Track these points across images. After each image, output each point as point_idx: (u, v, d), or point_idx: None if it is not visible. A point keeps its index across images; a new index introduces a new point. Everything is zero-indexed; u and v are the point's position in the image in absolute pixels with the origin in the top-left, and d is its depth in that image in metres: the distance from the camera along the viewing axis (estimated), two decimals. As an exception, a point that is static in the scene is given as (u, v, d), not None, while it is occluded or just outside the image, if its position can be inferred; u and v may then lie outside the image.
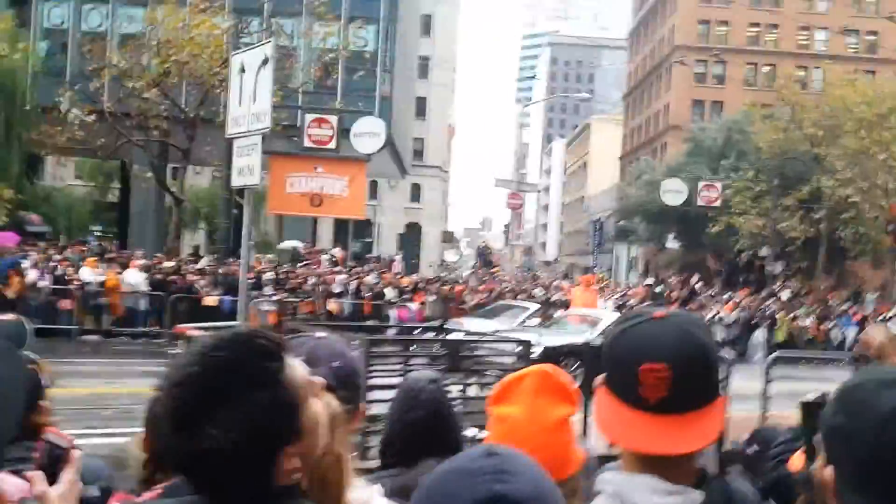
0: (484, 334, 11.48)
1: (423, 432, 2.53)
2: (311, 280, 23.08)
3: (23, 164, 29.14)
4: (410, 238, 64.04)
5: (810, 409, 2.13)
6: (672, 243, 51.97)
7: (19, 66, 26.16)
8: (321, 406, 1.47)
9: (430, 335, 12.36)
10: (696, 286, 31.08)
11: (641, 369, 1.46)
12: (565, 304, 23.48)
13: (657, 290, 28.58)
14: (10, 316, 2.52)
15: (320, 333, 2.03)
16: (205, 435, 1.26)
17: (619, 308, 23.51)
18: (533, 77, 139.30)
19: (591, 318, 17.80)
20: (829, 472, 1.27)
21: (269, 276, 22.51)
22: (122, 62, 27.19)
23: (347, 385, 1.92)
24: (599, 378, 1.59)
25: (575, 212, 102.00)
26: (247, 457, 1.29)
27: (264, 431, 1.30)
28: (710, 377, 1.53)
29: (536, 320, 19.63)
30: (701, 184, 36.98)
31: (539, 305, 22.07)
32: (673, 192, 36.64)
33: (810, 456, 2.09)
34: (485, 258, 45.76)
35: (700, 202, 36.20)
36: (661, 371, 1.46)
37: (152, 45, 26.63)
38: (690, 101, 65.96)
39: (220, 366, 1.30)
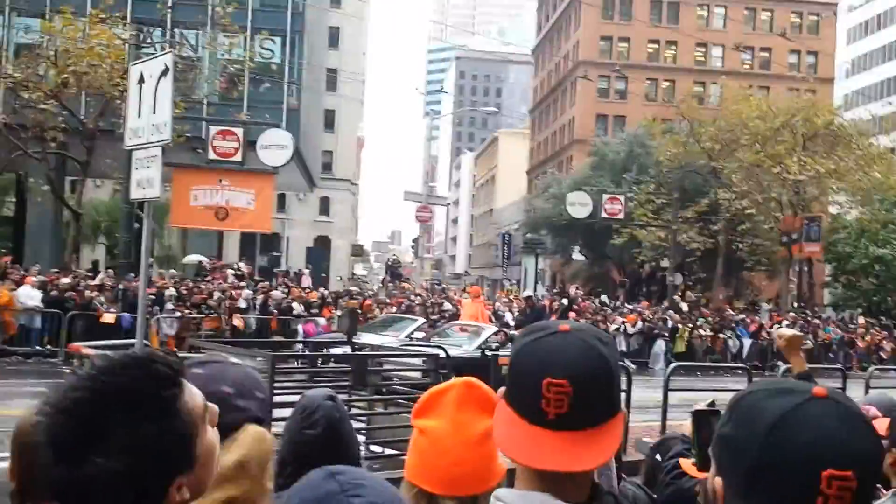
0: (391, 349, 11.45)
1: (318, 452, 2.51)
2: (216, 295, 22.62)
3: None
4: (319, 252, 63.44)
5: (701, 418, 2.14)
6: (578, 255, 52.81)
7: None
8: (215, 435, 1.43)
9: (339, 350, 12.26)
10: (575, 296, 31.67)
11: (544, 384, 1.43)
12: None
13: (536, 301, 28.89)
14: None
15: (234, 359, 2.00)
16: (89, 464, 1.19)
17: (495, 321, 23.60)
18: (440, 91, 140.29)
19: (473, 330, 17.89)
20: (718, 481, 1.30)
21: (171, 291, 21.94)
22: (18, 73, 26.26)
23: (265, 411, 1.91)
24: (500, 391, 1.57)
25: (484, 224, 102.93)
26: (134, 487, 1.22)
27: (154, 461, 1.24)
28: (612, 394, 1.51)
29: (422, 333, 19.47)
30: (605, 197, 37.79)
31: (424, 319, 21.95)
32: (578, 205, 37.33)
33: (702, 464, 2.08)
34: (394, 272, 45.65)
35: (604, 215, 36.97)
36: (563, 386, 1.43)
37: (49, 56, 25.81)
38: (594, 116, 67.41)
39: (110, 392, 1.23)
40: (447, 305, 27.85)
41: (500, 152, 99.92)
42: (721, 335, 28.97)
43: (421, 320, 20.72)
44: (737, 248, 40.79)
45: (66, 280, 21.17)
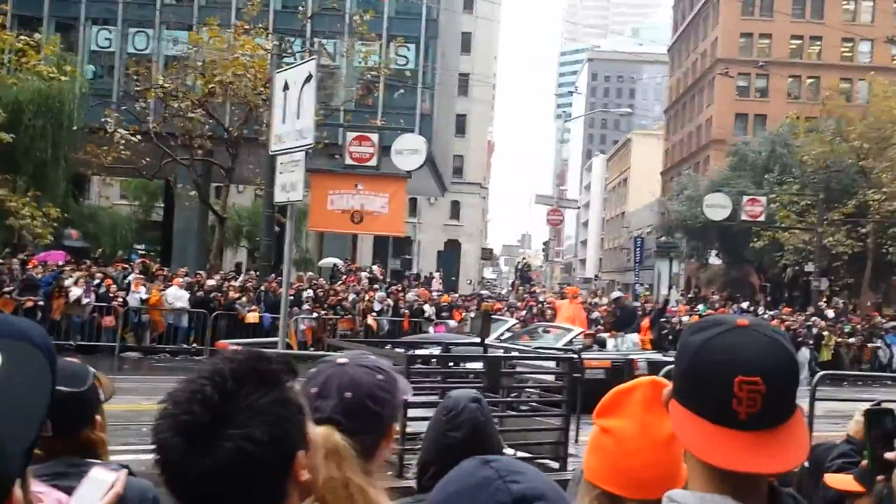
0: (525, 351, 11.41)
1: (462, 455, 2.47)
2: (351, 297, 23.18)
3: (69, 184, 29.68)
4: (450, 255, 64.05)
5: (873, 417, 2.10)
6: (715, 259, 51.34)
7: (67, 88, 26.71)
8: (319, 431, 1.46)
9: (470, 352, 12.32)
10: (672, 299, 30.58)
11: (736, 382, 1.37)
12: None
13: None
14: (75, 360, 2.56)
15: (342, 359, 1.98)
16: (220, 444, 1.24)
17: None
18: (572, 93, 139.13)
19: (560, 331, 17.30)
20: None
21: (308, 293, 22.63)
22: (168, 83, 27.68)
23: (358, 416, 1.87)
24: (667, 390, 1.52)
25: (615, 228, 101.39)
26: (264, 463, 1.26)
27: (280, 428, 1.28)
28: (796, 390, 1.46)
29: (509, 334, 18.87)
30: (745, 198, 36.52)
31: (517, 320, 21.37)
32: (716, 207, 36.19)
33: (875, 466, 2.06)
34: (524, 275, 45.51)
35: (744, 217, 35.73)
36: (756, 384, 1.37)
37: (197, 66, 27.08)
38: (733, 115, 65.39)
39: (234, 371, 1.30)
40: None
41: (633, 154, 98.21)
42: (870, 343, 27.50)
43: (512, 321, 20.22)
44: (887, 252, 38.66)
45: (211, 282, 22.15)
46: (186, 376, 1.33)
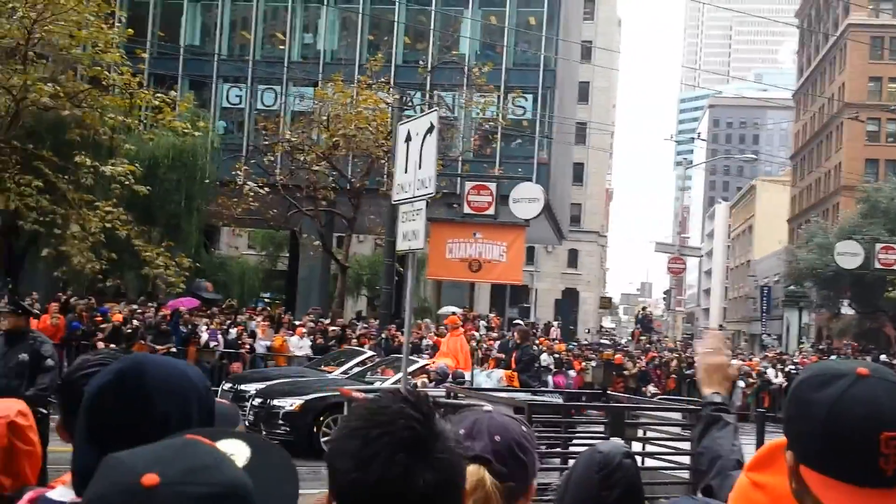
0: (649, 402, 11.14)
1: None
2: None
3: (201, 235, 30.98)
4: (567, 304, 63.44)
5: None
6: (847, 309, 49.09)
7: (199, 144, 28.01)
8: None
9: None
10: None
11: (882, 439, 1.28)
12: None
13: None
14: (225, 402, 2.67)
15: (488, 407, 2.00)
16: (438, 459, 1.28)
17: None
18: (693, 139, 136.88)
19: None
20: (790, 454, 1.42)
21: (427, 340, 22.80)
22: (294, 137, 28.72)
23: (506, 460, 1.86)
24: (790, 456, 1.42)
25: (740, 277, 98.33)
26: (462, 479, 1.33)
27: (455, 475, 1.32)
28: None
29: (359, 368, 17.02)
30: (878, 246, 34.88)
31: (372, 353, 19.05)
32: (848, 255, 34.69)
33: None
34: (645, 325, 44.57)
35: (877, 265, 34.10)
36: None
37: (322, 121, 28.03)
38: (863, 160, 62.93)
39: (419, 401, 1.34)
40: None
41: (758, 201, 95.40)
42: None
43: (368, 353, 18.56)
44: None
45: (334, 328, 22.62)
46: (366, 407, 1.36)
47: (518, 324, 20.05)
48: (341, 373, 16.53)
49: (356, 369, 16.59)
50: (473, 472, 1.76)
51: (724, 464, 2.23)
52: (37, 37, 20.52)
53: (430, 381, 14.03)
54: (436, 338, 21.59)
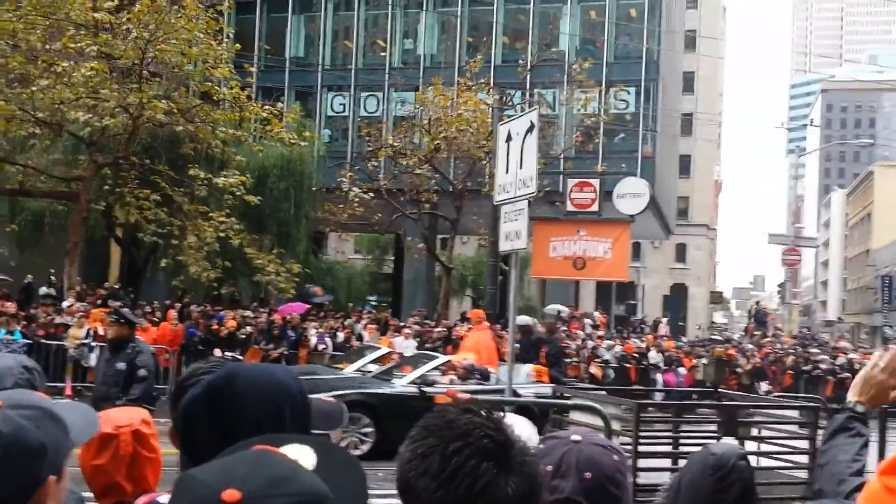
0: (764, 399, 10.85)
1: None
2: (574, 344, 23.02)
3: (309, 241, 31.73)
4: (676, 300, 62.15)
5: None
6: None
7: (306, 152, 28.72)
8: None
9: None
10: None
11: None
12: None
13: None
14: (331, 399, 2.72)
15: (576, 437, 1.87)
16: (522, 463, 1.31)
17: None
18: (806, 126, 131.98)
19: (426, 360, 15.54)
20: None
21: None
22: (396, 142, 29.13)
23: (598, 499, 1.78)
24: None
25: (859, 267, 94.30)
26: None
27: (537, 476, 1.35)
28: None
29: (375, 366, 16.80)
30: None
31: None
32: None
33: None
34: (759, 319, 43.28)
35: None
36: None
37: (423, 125, 28.33)
38: None
39: (490, 414, 1.36)
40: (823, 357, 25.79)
41: (877, 187, 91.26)
42: None
43: (385, 349, 18.35)
44: None
45: (439, 329, 22.80)
46: (432, 424, 1.36)
47: (526, 325, 19.23)
48: (356, 370, 16.12)
49: (371, 367, 16.09)
50: None
51: (834, 470, 2.16)
52: (150, 56, 21.36)
53: (458, 378, 13.90)
54: (462, 332, 20.60)
